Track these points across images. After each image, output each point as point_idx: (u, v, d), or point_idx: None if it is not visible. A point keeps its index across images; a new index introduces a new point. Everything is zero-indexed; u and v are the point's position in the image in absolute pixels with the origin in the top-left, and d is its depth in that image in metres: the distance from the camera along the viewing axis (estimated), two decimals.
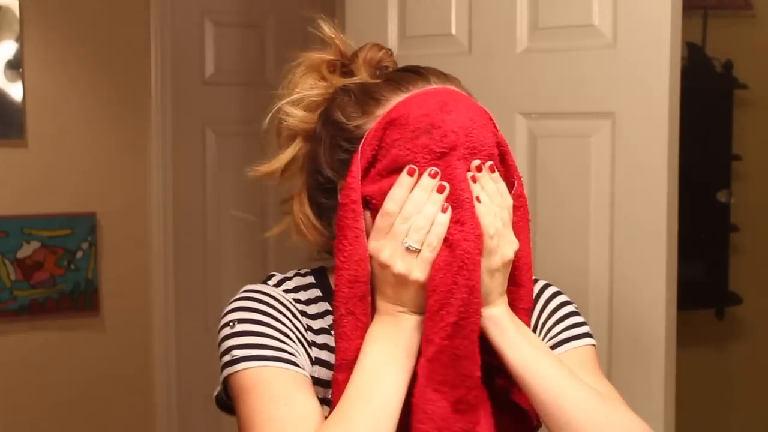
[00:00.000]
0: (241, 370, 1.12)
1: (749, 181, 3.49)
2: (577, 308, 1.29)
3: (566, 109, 2.04)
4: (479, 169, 1.11)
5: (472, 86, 1.19)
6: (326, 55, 1.22)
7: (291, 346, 1.14)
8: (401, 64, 1.25)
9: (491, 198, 1.11)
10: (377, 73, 1.21)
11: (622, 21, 1.94)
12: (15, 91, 3.27)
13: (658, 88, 1.90)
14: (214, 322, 1.21)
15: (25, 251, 3.29)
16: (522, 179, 1.21)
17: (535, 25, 2.08)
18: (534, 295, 1.25)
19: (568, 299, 1.29)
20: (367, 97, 1.16)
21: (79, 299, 3.38)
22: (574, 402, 1.09)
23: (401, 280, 1.09)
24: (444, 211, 1.09)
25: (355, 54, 1.23)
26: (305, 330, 1.18)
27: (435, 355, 1.08)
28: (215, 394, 1.22)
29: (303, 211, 1.23)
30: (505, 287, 1.14)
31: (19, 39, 3.26)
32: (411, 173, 1.10)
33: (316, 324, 1.20)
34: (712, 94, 3.36)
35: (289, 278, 1.24)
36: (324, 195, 1.19)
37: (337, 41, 1.23)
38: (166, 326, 3.55)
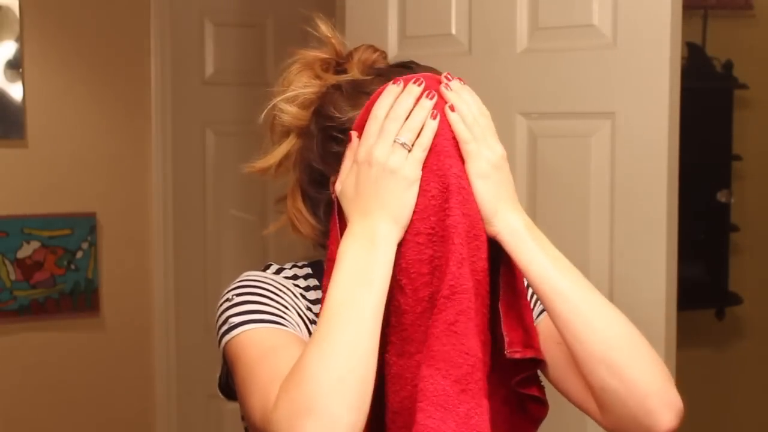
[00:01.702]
0: (239, 333, 1.12)
1: (749, 181, 3.50)
2: None
3: (566, 109, 2.04)
4: (448, 78, 1.12)
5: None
6: (321, 54, 1.23)
7: (290, 318, 1.15)
8: None
9: (468, 106, 1.11)
10: (370, 71, 1.22)
11: (622, 21, 1.94)
12: (15, 91, 3.27)
13: (658, 88, 1.90)
14: (214, 322, 1.22)
15: (25, 251, 3.29)
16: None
17: (535, 25, 2.08)
18: None
19: None
20: (358, 92, 1.18)
21: (79, 299, 3.38)
22: (594, 314, 1.10)
23: (391, 173, 1.07)
24: (433, 117, 1.09)
25: (350, 54, 1.24)
26: (306, 309, 1.19)
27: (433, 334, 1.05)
28: (218, 377, 1.22)
29: (296, 206, 1.24)
30: (512, 191, 1.13)
31: (19, 39, 3.26)
32: (396, 83, 1.11)
33: (316, 308, 1.20)
34: (712, 94, 3.36)
35: (287, 268, 1.26)
36: (316, 189, 1.21)
37: (333, 40, 1.24)
38: (166, 326, 3.55)
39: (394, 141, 1.08)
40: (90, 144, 3.41)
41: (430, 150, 1.08)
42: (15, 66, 3.26)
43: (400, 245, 1.08)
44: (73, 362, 3.42)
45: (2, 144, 3.27)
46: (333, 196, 1.14)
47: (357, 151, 1.10)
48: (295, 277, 1.24)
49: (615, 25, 1.95)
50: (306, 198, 1.23)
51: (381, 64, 1.24)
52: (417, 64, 1.21)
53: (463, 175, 1.09)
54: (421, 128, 1.08)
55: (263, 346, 1.09)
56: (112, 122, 3.44)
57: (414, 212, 1.08)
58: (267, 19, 3.73)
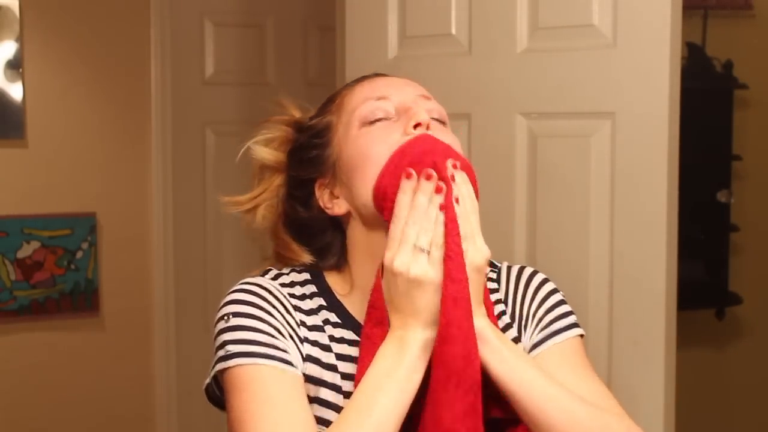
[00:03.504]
0: (234, 366, 1.14)
1: (749, 181, 3.49)
2: (564, 296, 1.30)
3: (566, 109, 2.04)
4: (455, 166, 1.15)
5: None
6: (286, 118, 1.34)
7: (284, 342, 1.16)
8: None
9: (464, 201, 1.14)
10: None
11: (622, 21, 1.94)
12: (15, 91, 3.27)
13: (658, 88, 1.90)
14: (213, 334, 1.22)
15: (25, 251, 3.30)
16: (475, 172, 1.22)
17: (535, 25, 2.08)
18: (523, 282, 1.28)
19: (555, 287, 1.30)
20: (327, 101, 1.30)
21: (79, 299, 3.38)
22: (557, 407, 1.12)
23: (417, 284, 1.10)
24: (441, 209, 1.12)
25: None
26: (298, 326, 1.19)
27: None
28: (205, 385, 1.22)
29: (283, 239, 1.29)
30: (482, 295, 1.15)
31: (19, 39, 3.26)
32: (409, 177, 1.14)
33: (310, 320, 1.21)
34: (712, 94, 3.36)
35: (286, 273, 1.26)
36: (303, 208, 1.27)
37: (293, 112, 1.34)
38: (166, 326, 3.55)
39: (414, 246, 1.11)
40: (90, 144, 3.41)
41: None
42: (15, 66, 3.26)
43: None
44: (73, 362, 3.42)
45: (2, 144, 3.27)
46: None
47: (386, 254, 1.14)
48: (292, 284, 1.24)
49: (615, 25, 1.95)
50: (291, 227, 1.29)
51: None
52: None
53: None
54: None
55: (261, 395, 1.12)
56: (112, 122, 3.44)
57: None
58: (267, 19, 3.73)
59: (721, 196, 3.37)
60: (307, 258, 1.27)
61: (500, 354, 1.12)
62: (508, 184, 2.10)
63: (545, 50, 2.06)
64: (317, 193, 1.26)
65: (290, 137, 1.30)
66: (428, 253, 1.11)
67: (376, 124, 1.22)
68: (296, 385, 1.14)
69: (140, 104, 3.48)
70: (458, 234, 1.11)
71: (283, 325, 1.17)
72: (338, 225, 1.26)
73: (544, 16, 2.06)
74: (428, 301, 1.10)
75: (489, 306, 1.18)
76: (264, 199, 1.31)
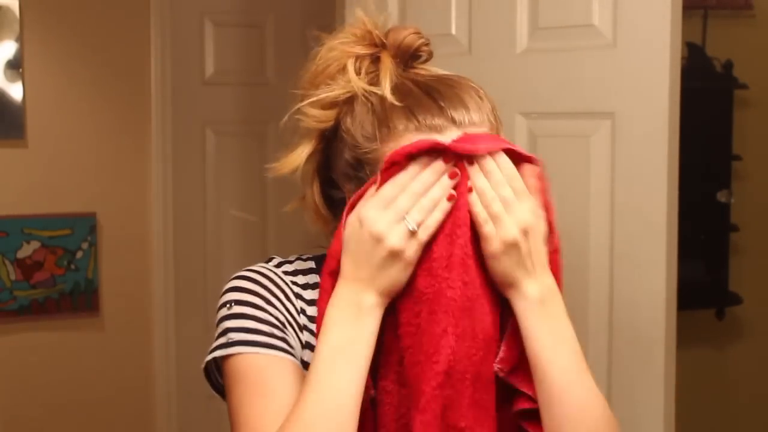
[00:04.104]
0: (235, 354, 1.15)
1: (749, 181, 3.49)
2: None
3: (566, 109, 2.04)
4: (486, 152, 1.08)
5: None
6: (355, 49, 1.18)
7: (284, 331, 1.17)
8: None
9: (491, 180, 1.09)
10: (404, 83, 1.17)
11: (622, 21, 1.94)
12: (15, 91, 3.27)
13: (658, 88, 1.90)
14: (214, 323, 1.22)
15: (25, 251, 3.30)
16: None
17: (535, 25, 2.08)
18: None
19: None
20: (382, 121, 1.13)
21: (79, 299, 3.38)
22: (574, 401, 1.10)
23: (391, 256, 1.07)
24: (449, 199, 1.08)
25: (384, 43, 1.19)
26: (298, 313, 1.20)
27: (425, 406, 1.06)
28: (204, 364, 1.22)
29: (314, 199, 1.24)
30: (537, 260, 1.11)
31: (19, 39, 3.26)
32: (430, 157, 1.08)
33: (310, 309, 1.21)
34: (712, 94, 3.36)
35: (290, 261, 1.26)
36: (333, 188, 1.22)
37: (372, 33, 1.19)
38: (166, 326, 3.55)
39: (403, 218, 1.07)
40: (90, 144, 3.41)
41: (442, 232, 1.08)
42: (15, 66, 3.26)
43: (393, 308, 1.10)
44: (73, 362, 3.42)
45: (2, 144, 3.28)
46: (345, 214, 1.13)
47: (363, 205, 1.08)
48: (295, 272, 1.24)
49: (615, 25, 1.95)
50: (324, 193, 1.24)
51: (423, 52, 1.22)
52: (448, 96, 1.14)
53: (470, 253, 1.08)
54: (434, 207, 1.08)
55: (257, 381, 1.13)
56: (112, 122, 3.44)
57: (415, 289, 1.08)
58: (267, 19, 3.73)
59: (721, 196, 3.37)
60: (328, 227, 1.23)
61: (534, 332, 1.09)
62: None
63: (545, 50, 2.06)
64: (346, 190, 1.19)
65: (346, 98, 1.17)
66: (413, 232, 1.06)
67: None
68: (294, 373, 1.14)
69: (140, 104, 3.48)
70: (467, 225, 1.07)
71: (283, 313, 1.18)
72: None
73: (544, 16, 2.06)
74: (394, 275, 1.07)
75: (555, 271, 1.14)
76: (308, 162, 1.23)
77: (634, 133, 1.94)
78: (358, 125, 1.15)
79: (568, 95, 2.03)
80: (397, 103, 1.13)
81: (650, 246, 1.93)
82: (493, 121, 1.16)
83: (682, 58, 2.20)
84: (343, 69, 1.17)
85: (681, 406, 2.01)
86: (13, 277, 3.28)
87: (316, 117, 1.18)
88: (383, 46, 1.19)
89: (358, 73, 1.17)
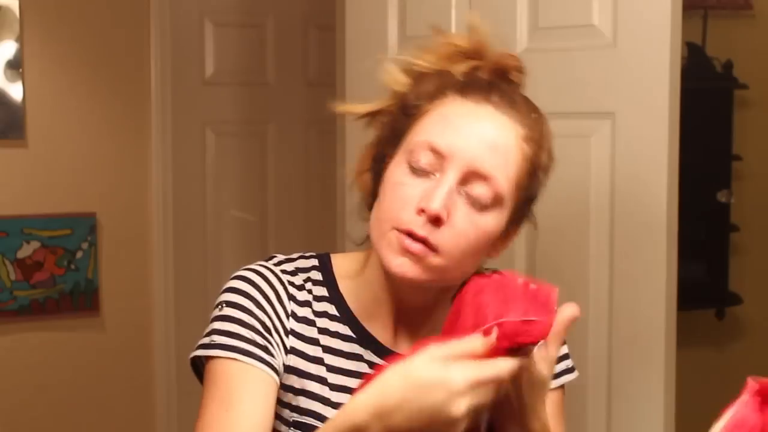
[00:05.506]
0: (214, 357, 1.17)
1: (749, 181, 3.49)
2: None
3: (566, 109, 2.04)
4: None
5: None
6: (461, 44, 1.26)
7: (267, 337, 1.17)
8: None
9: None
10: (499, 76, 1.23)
11: (622, 21, 1.94)
12: (15, 91, 3.27)
13: (658, 88, 1.90)
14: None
15: (25, 251, 3.30)
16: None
17: (535, 25, 2.08)
18: None
19: None
20: (442, 84, 1.18)
21: (79, 299, 3.38)
22: None
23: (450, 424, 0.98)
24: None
25: (484, 51, 1.27)
26: (287, 317, 1.20)
27: None
28: (191, 356, 1.22)
29: (364, 163, 1.25)
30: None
31: (19, 39, 3.26)
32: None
33: (301, 311, 1.21)
34: (712, 94, 3.36)
35: (292, 260, 1.26)
36: (378, 164, 1.21)
37: (479, 39, 1.28)
38: (166, 326, 3.55)
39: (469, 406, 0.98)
40: (90, 144, 3.41)
41: None
42: (15, 66, 3.26)
43: None
44: (73, 362, 3.42)
45: (2, 144, 3.28)
46: None
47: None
48: (295, 271, 1.24)
49: (615, 25, 1.95)
50: (373, 158, 1.23)
51: (514, 76, 1.29)
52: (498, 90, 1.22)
53: None
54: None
55: (224, 389, 1.14)
56: (112, 122, 3.44)
57: None
58: (267, 19, 3.73)
59: (721, 196, 3.37)
60: (368, 193, 1.22)
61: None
62: None
63: (545, 50, 2.06)
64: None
65: (429, 73, 1.21)
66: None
67: (415, 178, 1.13)
68: (264, 386, 1.15)
69: (140, 104, 3.48)
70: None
71: (271, 318, 1.19)
72: None
73: (544, 16, 2.06)
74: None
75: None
76: (374, 119, 1.25)
77: (634, 133, 1.94)
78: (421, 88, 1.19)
79: (568, 95, 2.03)
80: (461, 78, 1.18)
81: (650, 246, 1.93)
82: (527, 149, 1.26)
83: (682, 58, 2.20)
84: (445, 60, 1.23)
85: (681, 406, 2.00)
86: (13, 277, 3.28)
87: (394, 77, 1.22)
88: (483, 58, 1.27)
89: (455, 62, 1.23)
